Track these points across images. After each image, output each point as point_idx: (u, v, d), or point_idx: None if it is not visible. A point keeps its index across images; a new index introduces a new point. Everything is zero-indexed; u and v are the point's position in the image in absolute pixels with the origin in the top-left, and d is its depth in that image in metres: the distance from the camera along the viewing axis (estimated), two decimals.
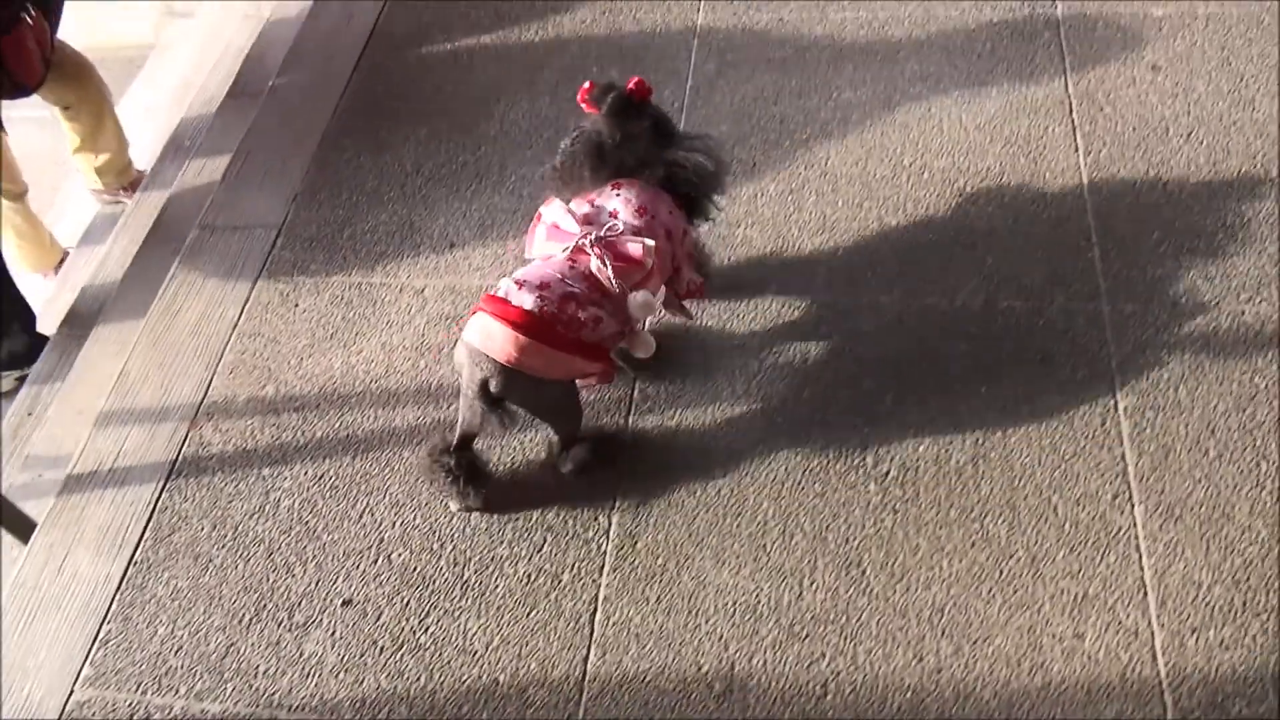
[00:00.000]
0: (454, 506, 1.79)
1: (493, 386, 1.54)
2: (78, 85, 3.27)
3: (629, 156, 1.66)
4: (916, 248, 2.20)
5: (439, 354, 2.17)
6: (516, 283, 1.55)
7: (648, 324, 1.76)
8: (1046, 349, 2.00)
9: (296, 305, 2.39)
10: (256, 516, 2.00)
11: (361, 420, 2.11)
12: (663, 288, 1.73)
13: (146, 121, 3.97)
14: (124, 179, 3.54)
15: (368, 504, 1.96)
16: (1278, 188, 2.21)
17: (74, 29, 5.35)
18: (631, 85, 1.65)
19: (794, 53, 2.72)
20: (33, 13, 2.90)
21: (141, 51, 4.76)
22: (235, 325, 2.37)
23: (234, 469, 2.09)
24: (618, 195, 1.65)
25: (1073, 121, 2.42)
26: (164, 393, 2.27)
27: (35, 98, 3.05)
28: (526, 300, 1.51)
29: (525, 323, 1.49)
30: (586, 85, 1.68)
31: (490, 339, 1.50)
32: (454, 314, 2.26)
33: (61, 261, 3.53)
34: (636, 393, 1.97)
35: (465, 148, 2.67)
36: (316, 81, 2.99)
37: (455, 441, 1.70)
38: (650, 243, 1.57)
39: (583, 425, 1.74)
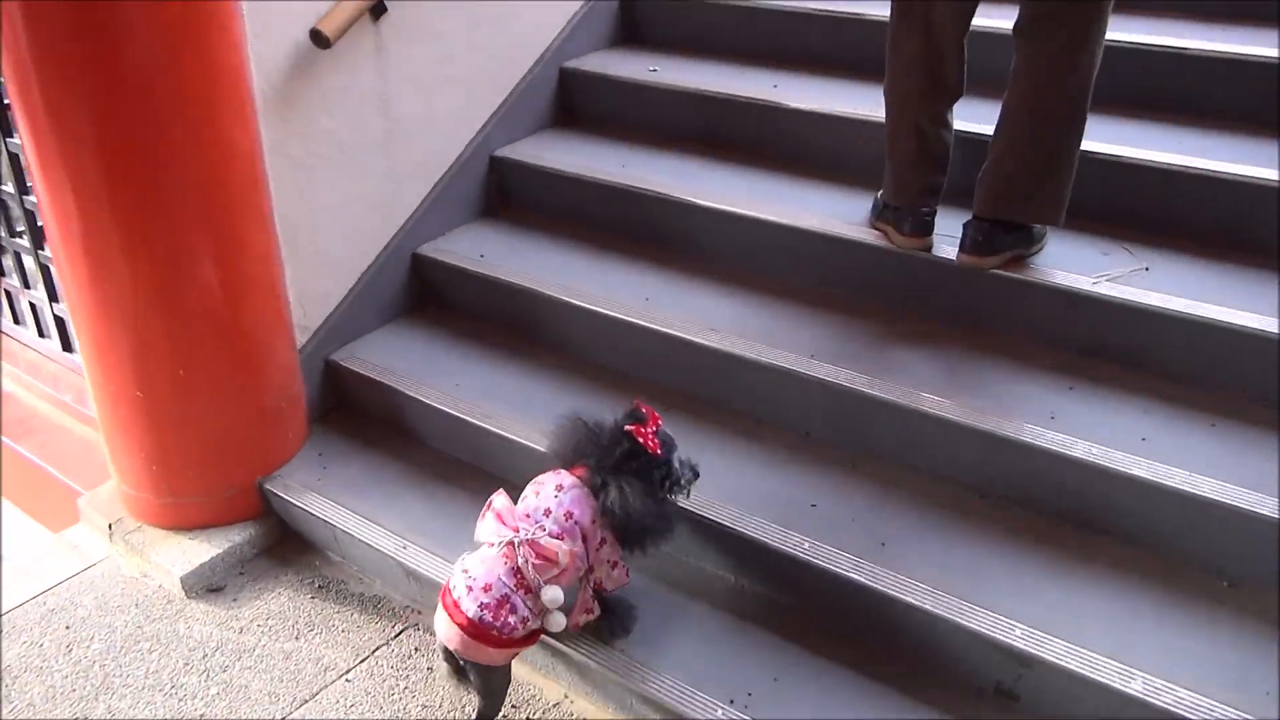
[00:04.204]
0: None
1: (455, 654, 1.96)
2: None
3: (599, 460, 1.99)
4: None
5: None
6: (467, 587, 1.90)
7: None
8: None
9: None
10: None
11: None
12: (587, 581, 2.03)
13: None
14: None
15: None
16: None
17: None
18: (643, 433, 1.97)
19: None
20: None
21: None
22: None
23: None
24: (559, 493, 1.96)
25: None
26: None
27: None
28: (472, 609, 1.87)
29: (468, 628, 1.88)
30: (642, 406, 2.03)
31: (447, 630, 1.91)
32: None
33: None
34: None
35: None
36: None
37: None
38: (565, 547, 1.90)
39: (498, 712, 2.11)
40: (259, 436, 2.62)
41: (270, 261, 2.54)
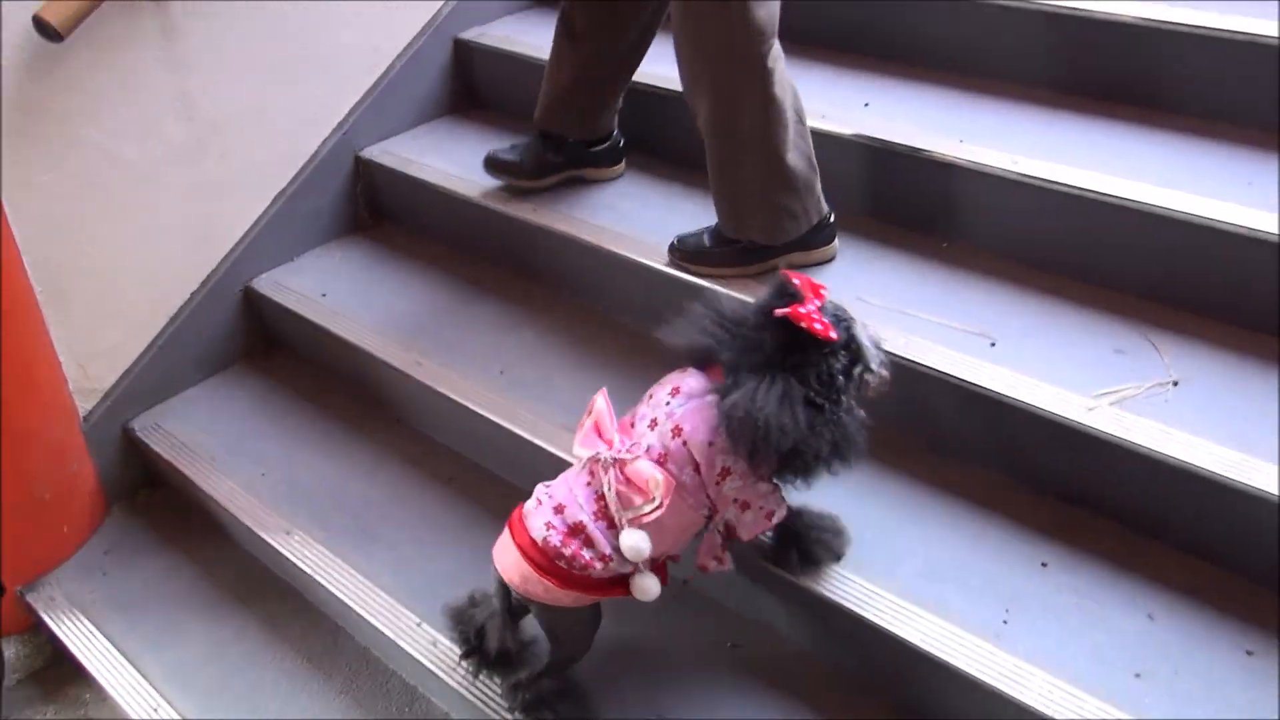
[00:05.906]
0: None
1: (512, 594, 1.49)
2: None
3: (734, 355, 1.40)
4: None
5: None
6: (537, 500, 1.48)
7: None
8: None
9: None
10: None
11: None
12: (711, 529, 1.48)
13: None
14: None
15: None
16: None
17: None
18: (804, 314, 1.36)
19: None
20: None
21: None
22: None
23: None
24: (672, 399, 1.44)
25: None
26: None
27: None
28: (537, 526, 1.44)
29: (530, 552, 1.43)
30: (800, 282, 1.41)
31: (505, 557, 1.47)
32: None
33: None
34: None
35: None
36: None
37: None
38: (660, 477, 1.38)
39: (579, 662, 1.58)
40: (15, 535, 2.09)
41: (20, 318, 1.99)
